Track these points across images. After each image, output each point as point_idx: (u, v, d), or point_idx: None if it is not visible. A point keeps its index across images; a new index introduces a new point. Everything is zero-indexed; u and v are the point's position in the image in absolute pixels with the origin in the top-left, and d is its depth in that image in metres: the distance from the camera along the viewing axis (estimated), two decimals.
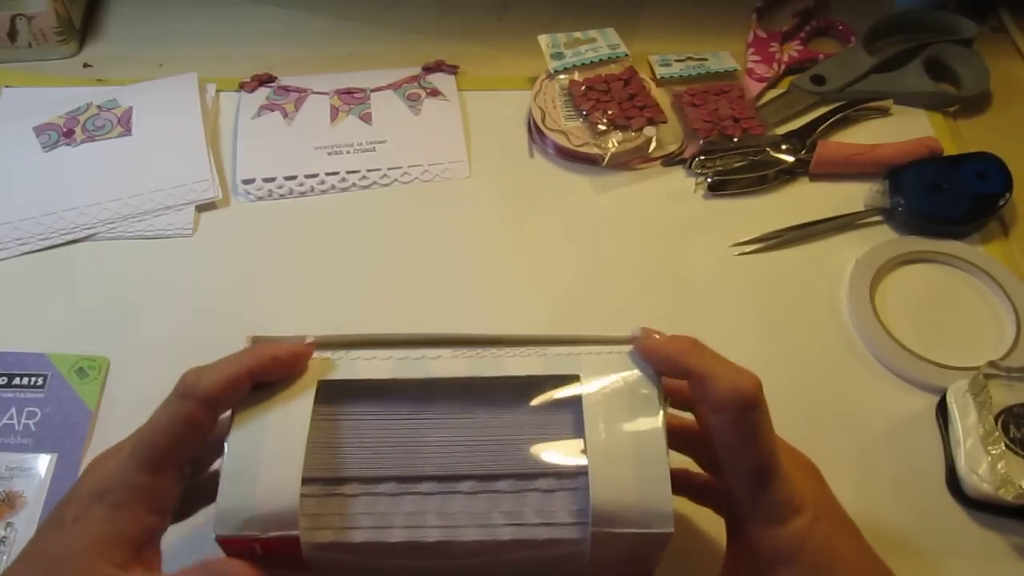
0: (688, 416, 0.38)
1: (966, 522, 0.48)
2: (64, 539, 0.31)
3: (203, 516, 0.36)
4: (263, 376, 0.34)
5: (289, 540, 0.31)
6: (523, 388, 0.35)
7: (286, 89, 0.68)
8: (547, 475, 0.33)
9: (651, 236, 0.61)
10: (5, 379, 0.52)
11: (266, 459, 0.32)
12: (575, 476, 0.33)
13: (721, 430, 0.33)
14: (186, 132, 0.64)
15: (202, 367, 0.33)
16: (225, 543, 0.31)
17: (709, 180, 0.63)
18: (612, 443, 0.33)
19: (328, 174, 0.63)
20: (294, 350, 0.34)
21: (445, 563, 0.33)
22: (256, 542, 0.31)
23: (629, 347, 0.35)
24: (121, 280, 0.58)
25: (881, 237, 0.61)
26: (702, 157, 0.64)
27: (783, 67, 0.70)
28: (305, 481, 0.32)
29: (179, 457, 0.32)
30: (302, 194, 0.63)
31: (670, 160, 0.65)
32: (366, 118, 0.66)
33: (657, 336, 0.35)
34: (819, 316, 0.57)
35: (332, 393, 0.34)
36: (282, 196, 0.63)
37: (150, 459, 0.32)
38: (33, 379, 0.52)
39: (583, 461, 0.33)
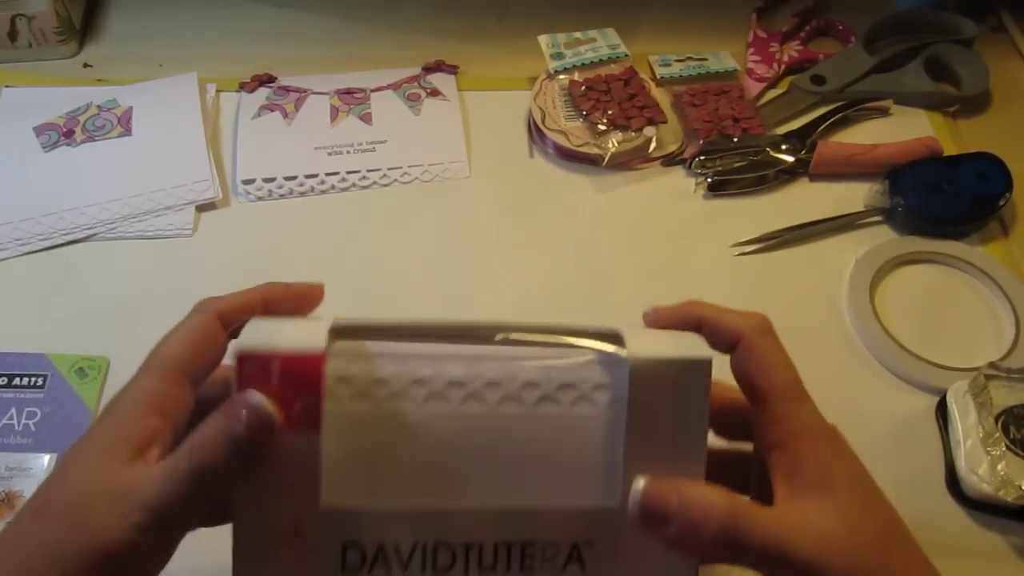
0: None
1: (966, 522, 0.48)
2: (71, 453, 0.30)
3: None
4: (276, 304, 0.34)
5: (310, 363, 0.30)
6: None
7: (286, 89, 0.68)
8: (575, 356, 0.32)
9: (651, 236, 0.61)
10: (5, 379, 0.52)
11: (293, 320, 0.33)
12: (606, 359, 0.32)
13: (743, 359, 0.33)
14: (186, 132, 0.64)
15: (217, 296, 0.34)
16: (242, 361, 0.30)
17: (709, 180, 0.63)
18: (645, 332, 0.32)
19: (328, 174, 0.63)
20: (307, 286, 0.35)
21: (464, 415, 0.32)
22: (277, 359, 0.30)
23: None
24: (121, 280, 0.58)
25: (881, 237, 0.61)
26: (702, 157, 0.64)
27: (783, 67, 0.70)
28: (330, 352, 0.31)
29: (189, 366, 0.31)
30: (302, 194, 0.63)
31: (670, 160, 0.65)
32: (366, 118, 0.66)
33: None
34: (819, 316, 0.57)
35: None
36: (282, 196, 0.63)
37: (159, 367, 0.31)
38: (33, 379, 0.52)
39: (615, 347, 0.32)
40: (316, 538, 0.31)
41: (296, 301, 0.35)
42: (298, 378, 0.30)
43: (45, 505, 0.29)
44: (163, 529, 0.28)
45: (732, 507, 0.30)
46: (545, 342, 0.32)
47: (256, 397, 0.29)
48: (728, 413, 0.35)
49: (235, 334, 0.33)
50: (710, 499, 0.30)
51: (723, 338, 0.33)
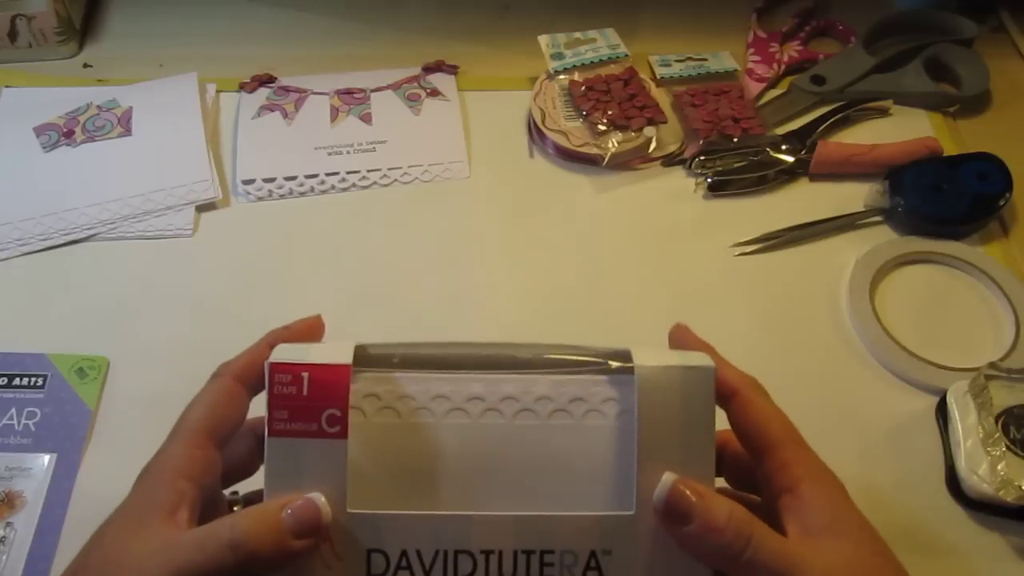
0: None
1: (966, 522, 0.48)
2: (107, 520, 0.32)
3: None
4: None
5: (338, 373, 0.32)
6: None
7: (286, 89, 0.68)
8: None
9: (651, 236, 0.61)
10: (5, 379, 0.52)
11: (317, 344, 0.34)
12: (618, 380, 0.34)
13: (742, 411, 0.34)
14: (186, 132, 0.64)
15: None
16: (275, 370, 0.32)
17: (709, 180, 0.63)
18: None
19: (328, 174, 0.63)
20: (306, 323, 0.36)
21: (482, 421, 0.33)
22: (306, 369, 0.32)
23: None
24: (121, 280, 0.58)
25: (881, 237, 0.61)
26: (702, 157, 0.64)
27: (783, 67, 0.70)
28: (357, 370, 0.32)
29: (213, 428, 0.33)
30: (302, 194, 0.63)
31: (670, 160, 0.65)
32: (366, 118, 0.66)
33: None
34: (819, 316, 0.57)
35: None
36: (282, 196, 0.63)
37: (183, 432, 0.33)
38: (33, 379, 0.52)
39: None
40: (342, 545, 0.32)
41: (300, 338, 0.36)
42: (326, 388, 0.32)
43: (81, 569, 0.30)
44: None
45: (750, 521, 0.31)
46: (558, 360, 0.34)
47: (318, 495, 0.31)
48: (738, 463, 0.36)
49: (256, 392, 0.34)
50: (730, 508, 0.31)
51: (718, 388, 0.34)
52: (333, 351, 0.33)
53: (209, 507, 0.32)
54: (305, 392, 0.32)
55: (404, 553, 0.32)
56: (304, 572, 0.31)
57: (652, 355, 0.33)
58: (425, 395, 0.33)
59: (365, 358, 0.33)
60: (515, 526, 0.32)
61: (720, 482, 0.37)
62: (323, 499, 0.31)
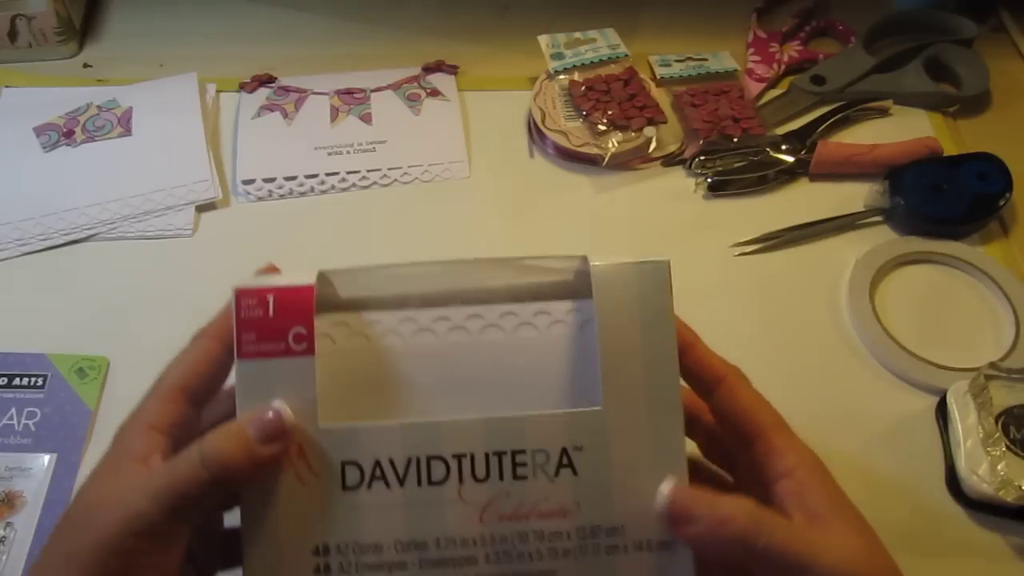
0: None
1: (966, 522, 0.48)
2: (88, 476, 0.32)
3: None
4: None
5: (302, 293, 0.33)
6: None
7: (286, 89, 0.68)
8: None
9: (651, 236, 0.61)
10: (5, 379, 0.52)
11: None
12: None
13: (730, 398, 0.35)
14: (186, 132, 0.64)
15: None
16: (241, 295, 0.33)
17: (709, 180, 0.63)
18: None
19: (328, 174, 0.63)
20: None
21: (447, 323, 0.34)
22: (271, 292, 0.33)
23: None
24: (121, 280, 0.58)
25: (881, 237, 0.61)
26: (702, 157, 0.64)
27: (783, 67, 0.70)
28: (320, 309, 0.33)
29: (187, 384, 0.33)
30: (302, 194, 0.63)
31: (670, 160, 0.65)
32: (366, 118, 0.66)
33: None
34: (819, 316, 0.57)
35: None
36: (282, 196, 0.63)
37: (158, 388, 0.34)
38: (33, 379, 0.52)
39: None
40: (316, 460, 0.33)
41: None
42: (291, 307, 0.33)
43: (65, 519, 0.31)
44: (169, 517, 0.30)
45: (756, 508, 0.31)
46: (523, 286, 0.35)
47: (277, 402, 0.32)
48: (710, 436, 0.37)
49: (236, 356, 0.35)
50: (735, 500, 0.31)
51: (705, 374, 0.35)
52: (296, 275, 0.34)
53: None
54: (271, 313, 0.33)
55: (377, 463, 0.33)
56: (280, 488, 0.32)
57: (608, 256, 0.34)
58: (393, 319, 0.34)
59: (336, 303, 0.35)
60: (485, 429, 0.33)
61: (693, 448, 0.38)
62: (283, 404, 0.32)
